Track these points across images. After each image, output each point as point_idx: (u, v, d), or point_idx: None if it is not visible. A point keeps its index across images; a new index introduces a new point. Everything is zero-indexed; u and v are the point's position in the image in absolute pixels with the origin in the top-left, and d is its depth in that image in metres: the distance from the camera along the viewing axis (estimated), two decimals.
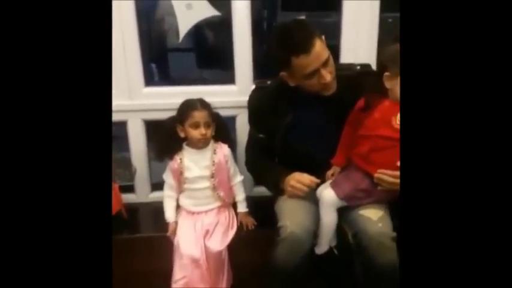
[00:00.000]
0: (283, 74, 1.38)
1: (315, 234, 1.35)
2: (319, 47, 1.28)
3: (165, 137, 1.60)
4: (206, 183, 1.58)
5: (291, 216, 1.35)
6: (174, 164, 1.58)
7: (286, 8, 3.44)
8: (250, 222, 1.62)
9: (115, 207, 1.67)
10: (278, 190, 1.47)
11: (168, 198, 1.63)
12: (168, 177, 1.62)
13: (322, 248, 1.41)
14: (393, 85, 1.24)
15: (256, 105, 1.55)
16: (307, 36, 1.27)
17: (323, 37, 1.32)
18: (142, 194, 1.91)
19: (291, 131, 1.45)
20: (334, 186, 1.36)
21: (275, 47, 1.34)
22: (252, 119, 1.58)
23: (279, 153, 1.52)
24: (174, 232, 1.57)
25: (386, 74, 1.25)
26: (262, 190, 1.73)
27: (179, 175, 1.58)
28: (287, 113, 1.44)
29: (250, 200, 1.67)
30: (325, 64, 1.31)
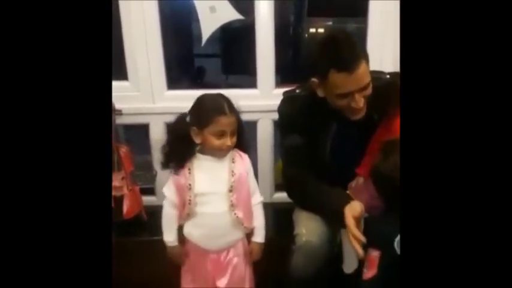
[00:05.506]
0: (313, 81, 1.25)
1: (331, 241, 1.31)
2: (363, 70, 1.18)
3: (174, 142, 1.27)
4: (222, 203, 1.26)
5: (307, 224, 1.33)
6: (180, 178, 1.27)
7: (312, 14, 3.42)
8: (258, 255, 1.38)
9: (135, 210, 1.69)
10: (336, 217, 1.24)
11: (168, 218, 1.34)
12: (170, 193, 1.31)
13: (350, 266, 1.33)
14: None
15: (296, 109, 1.37)
16: (355, 54, 1.17)
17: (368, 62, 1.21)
18: (162, 196, 1.89)
19: (328, 142, 1.37)
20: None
21: (317, 53, 1.23)
22: (291, 124, 1.38)
23: (312, 162, 1.37)
24: (177, 258, 1.37)
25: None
26: (282, 196, 1.70)
27: (187, 191, 1.26)
28: (330, 123, 1.34)
29: (271, 207, 1.64)
30: (362, 89, 1.20)
